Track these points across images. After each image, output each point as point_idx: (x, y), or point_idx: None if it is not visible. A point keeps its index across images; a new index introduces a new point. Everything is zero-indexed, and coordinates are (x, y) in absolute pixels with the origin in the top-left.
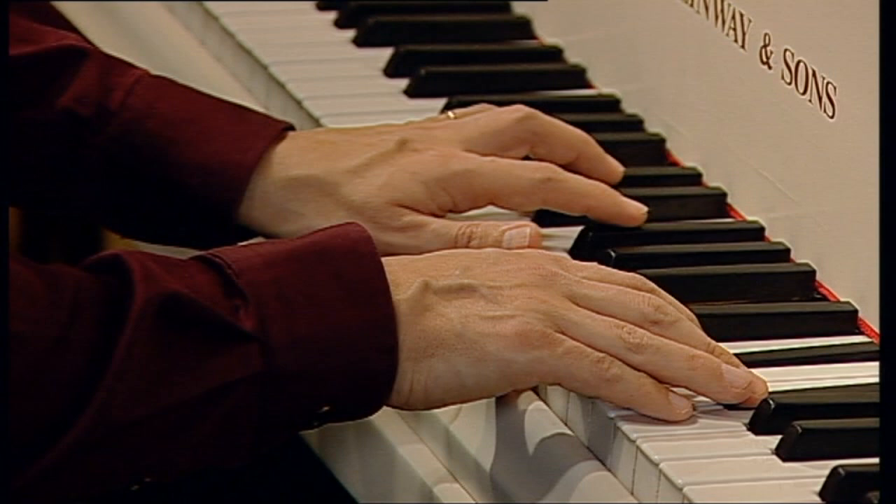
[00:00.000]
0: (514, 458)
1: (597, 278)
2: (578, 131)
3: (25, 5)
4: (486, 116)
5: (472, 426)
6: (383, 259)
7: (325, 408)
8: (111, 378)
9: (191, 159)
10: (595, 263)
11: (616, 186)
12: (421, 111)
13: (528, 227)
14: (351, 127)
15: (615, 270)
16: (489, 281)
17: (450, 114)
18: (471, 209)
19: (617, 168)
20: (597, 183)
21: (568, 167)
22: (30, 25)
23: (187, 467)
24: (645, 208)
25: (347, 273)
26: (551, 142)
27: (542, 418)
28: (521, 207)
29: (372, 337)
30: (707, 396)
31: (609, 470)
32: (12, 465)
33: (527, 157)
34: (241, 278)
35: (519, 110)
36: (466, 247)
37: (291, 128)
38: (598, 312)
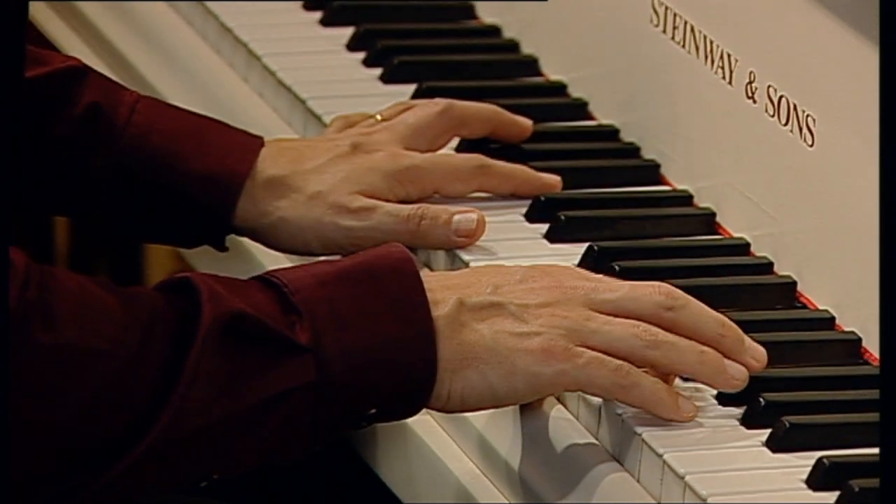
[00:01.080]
0: (540, 458)
1: (609, 280)
2: (489, 105)
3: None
4: (412, 114)
5: (501, 429)
6: (422, 275)
7: (372, 411)
8: (183, 388)
9: (192, 170)
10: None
11: (612, 207)
12: None
13: (475, 213)
14: (309, 138)
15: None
16: (517, 299)
17: (377, 116)
18: (420, 199)
19: (527, 125)
20: (518, 166)
21: (490, 137)
22: (35, 49)
23: (249, 465)
24: (558, 177)
25: (391, 291)
26: (470, 123)
27: (566, 425)
28: (462, 193)
29: (414, 349)
30: (711, 386)
31: (619, 462)
32: (96, 467)
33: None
34: (296, 296)
35: (437, 104)
36: (418, 226)
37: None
38: (616, 314)
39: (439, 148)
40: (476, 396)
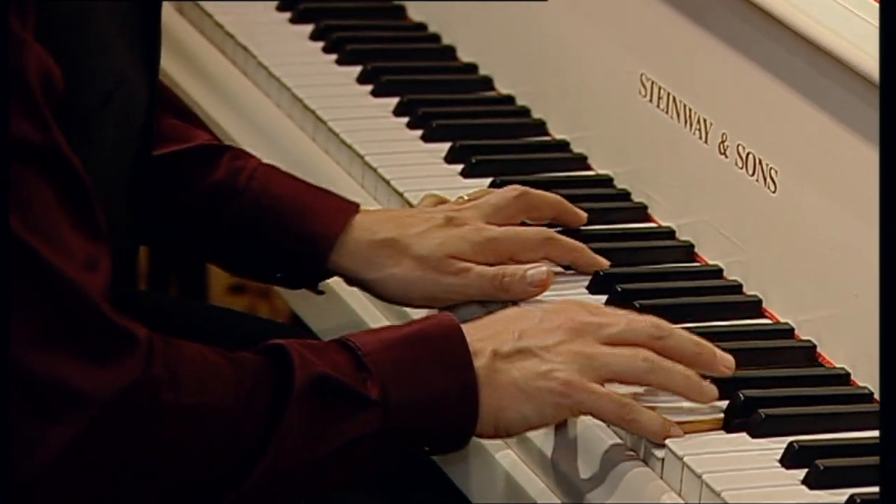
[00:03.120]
0: (571, 452)
1: (611, 315)
2: (555, 196)
3: (172, 106)
4: (494, 197)
5: (545, 436)
6: (464, 328)
7: (425, 448)
8: (281, 435)
9: (294, 227)
10: (610, 308)
11: (610, 241)
12: (469, 187)
13: (544, 266)
14: (405, 209)
15: (626, 311)
16: (539, 342)
17: (464, 196)
18: (498, 263)
19: (583, 216)
20: (578, 243)
21: (553, 221)
22: (178, 125)
23: (328, 492)
24: (607, 262)
25: (442, 353)
26: (540, 207)
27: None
28: (531, 260)
29: (461, 399)
30: (692, 401)
31: (644, 462)
32: (215, 497)
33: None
34: (367, 357)
35: (515, 189)
36: (501, 282)
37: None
38: (619, 343)
39: (513, 225)
40: (514, 427)
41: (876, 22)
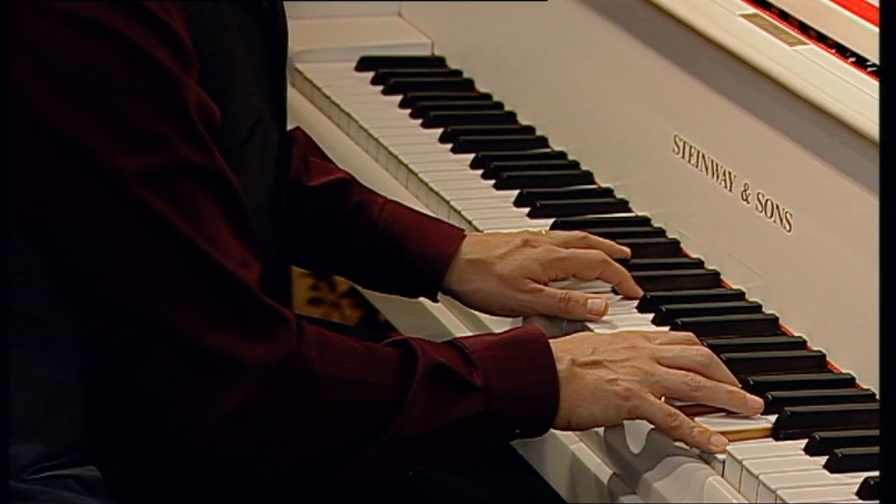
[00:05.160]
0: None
1: (667, 341)
2: (606, 241)
3: (316, 148)
4: (564, 234)
5: (618, 435)
6: (550, 342)
7: (517, 430)
8: (405, 409)
9: (416, 251)
10: (665, 330)
11: (652, 269)
12: (535, 226)
13: (602, 299)
14: (493, 232)
15: (679, 333)
16: (608, 357)
17: (543, 230)
18: (563, 279)
19: (627, 251)
20: (624, 269)
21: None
22: (321, 163)
23: (438, 464)
24: (641, 291)
25: (532, 355)
26: (596, 246)
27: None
28: (590, 279)
29: (545, 393)
30: (737, 412)
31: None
32: (351, 456)
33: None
34: (472, 354)
35: (580, 233)
36: (567, 304)
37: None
38: (672, 365)
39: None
40: (584, 423)
41: (870, 91)
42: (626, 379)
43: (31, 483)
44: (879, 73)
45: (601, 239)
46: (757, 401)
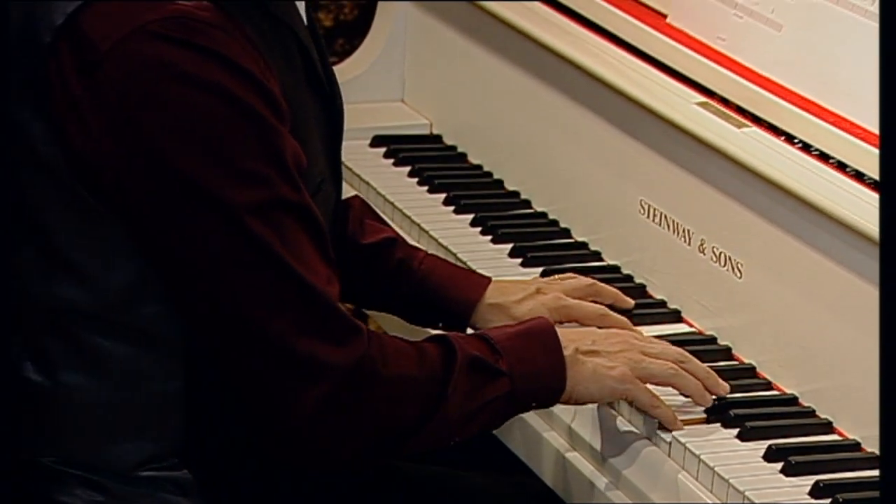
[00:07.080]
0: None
1: (651, 341)
2: (613, 290)
3: (370, 210)
4: (574, 281)
5: (588, 425)
6: (558, 330)
7: (533, 404)
8: (449, 395)
9: (449, 297)
10: (651, 336)
11: (621, 311)
12: (526, 274)
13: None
14: (511, 280)
15: (662, 341)
16: (605, 348)
17: (556, 277)
18: (568, 322)
19: (630, 302)
20: (620, 317)
21: (612, 305)
22: (373, 224)
23: (473, 435)
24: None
25: (544, 342)
26: (602, 295)
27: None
28: (591, 325)
29: (555, 373)
30: (697, 402)
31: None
32: (405, 438)
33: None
34: (498, 345)
35: (587, 280)
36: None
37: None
38: (657, 358)
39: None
40: (583, 399)
41: (803, 163)
42: (620, 366)
43: (136, 483)
44: (879, 72)
45: (608, 287)
46: (725, 387)
